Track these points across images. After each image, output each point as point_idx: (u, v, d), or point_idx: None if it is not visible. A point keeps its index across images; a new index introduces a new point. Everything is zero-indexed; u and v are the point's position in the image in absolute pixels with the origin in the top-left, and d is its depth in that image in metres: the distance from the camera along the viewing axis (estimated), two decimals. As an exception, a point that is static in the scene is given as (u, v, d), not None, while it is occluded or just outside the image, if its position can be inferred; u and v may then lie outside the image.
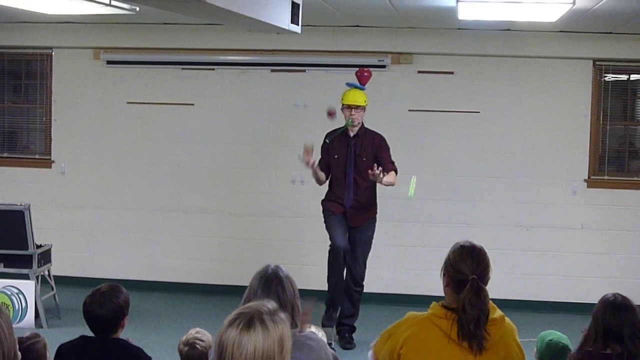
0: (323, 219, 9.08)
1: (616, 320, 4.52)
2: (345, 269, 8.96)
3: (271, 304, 3.01)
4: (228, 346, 2.89)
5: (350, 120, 8.82)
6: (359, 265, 9.00)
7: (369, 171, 8.48)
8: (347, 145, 8.90)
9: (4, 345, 3.11)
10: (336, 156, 8.93)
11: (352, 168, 8.88)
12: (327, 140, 8.95)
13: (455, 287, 4.19)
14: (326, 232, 9.00)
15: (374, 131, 8.99)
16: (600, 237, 10.55)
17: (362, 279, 9.05)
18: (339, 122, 8.99)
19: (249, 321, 2.90)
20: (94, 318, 4.77)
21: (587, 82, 10.51)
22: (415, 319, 4.27)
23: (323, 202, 9.11)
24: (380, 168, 8.43)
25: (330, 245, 8.88)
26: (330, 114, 8.92)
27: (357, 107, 8.84)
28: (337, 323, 9.05)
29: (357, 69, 9.20)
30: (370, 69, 9.35)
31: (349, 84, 9.02)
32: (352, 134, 8.91)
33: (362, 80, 9.02)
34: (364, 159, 8.84)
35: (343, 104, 8.89)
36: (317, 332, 4.54)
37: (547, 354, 5.49)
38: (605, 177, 10.62)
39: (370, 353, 4.51)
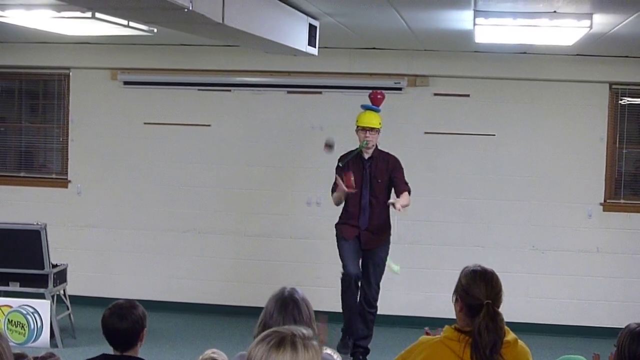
0: (336, 243, 9.09)
1: None
2: (358, 295, 8.97)
3: (308, 331, 2.98)
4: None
5: (364, 142, 8.83)
6: (372, 287, 8.99)
7: (389, 201, 8.52)
8: (362, 168, 8.91)
9: None
10: (352, 178, 8.93)
11: (368, 190, 8.89)
12: (341, 164, 8.95)
13: (469, 312, 4.18)
14: (341, 255, 9.02)
15: (387, 153, 9.00)
16: (616, 261, 10.51)
17: (376, 300, 9.05)
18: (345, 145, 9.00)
19: (281, 340, 2.88)
20: (114, 331, 4.77)
21: (604, 105, 10.50)
22: (428, 342, 4.26)
23: (337, 225, 9.11)
24: (395, 199, 8.49)
25: (342, 273, 8.89)
26: (328, 146, 8.96)
27: (371, 129, 8.85)
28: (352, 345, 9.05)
29: (371, 91, 9.22)
30: (386, 91, 9.37)
31: (363, 106, 9.03)
32: (366, 156, 8.92)
33: (376, 102, 9.02)
34: (379, 181, 8.86)
35: (358, 126, 8.91)
36: (332, 354, 4.55)
37: None
38: (621, 201, 10.59)
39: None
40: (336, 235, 9.07)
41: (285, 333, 2.91)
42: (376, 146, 8.96)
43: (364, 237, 8.92)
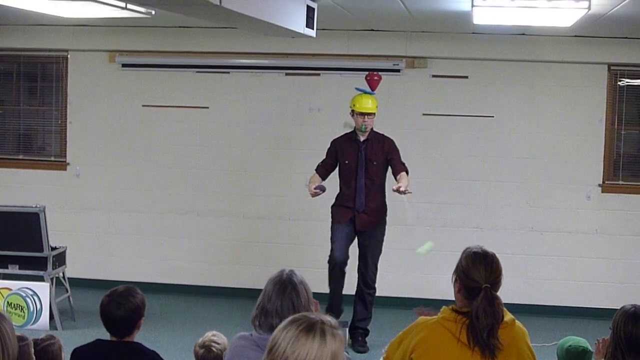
0: (330, 225, 9.12)
1: (638, 331, 4.45)
2: (344, 279, 9.02)
3: (333, 320, 2.95)
4: (282, 342, 2.84)
5: (363, 126, 8.83)
6: (370, 268, 9.02)
7: (393, 188, 8.57)
8: (357, 150, 8.91)
9: (8, 349, 3.16)
10: (347, 162, 8.94)
11: (363, 173, 8.89)
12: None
13: (468, 294, 4.19)
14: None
15: (382, 134, 9.00)
16: (615, 242, 10.53)
17: (374, 281, 9.07)
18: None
19: (310, 326, 2.86)
20: (112, 319, 4.77)
21: (602, 86, 10.49)
22: (426, 323, 4.27)
23: (333, 207, 9.14)
24: (399, 185, 8.54)
25: (329, 256, 8.94)
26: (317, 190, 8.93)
27: (369, 113, 8.86)
28: (350, 326, 9.07)
29: (367, 72, 9.20)
30: (384, 73, 9.37)
31: (359, 89, 9.01)
32: (362, 139, 8.93)
33: (372, 84, 9.00)
34: (375, 163, 8.88)
35: (355, 111, 8.89)
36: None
37: None
38: (620, 182, 10.60)
39: (381, 360, 4.53)
40: (331, 217, 9.11)
41: (315, 319, 2.88)
42: (372, 129, 8.97)
43: (360, 219, 8.94)
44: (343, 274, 8.97)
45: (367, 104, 8.86)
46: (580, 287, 10.58)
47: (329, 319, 2.94)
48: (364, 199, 8.92)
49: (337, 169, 9.07)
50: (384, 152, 8.90)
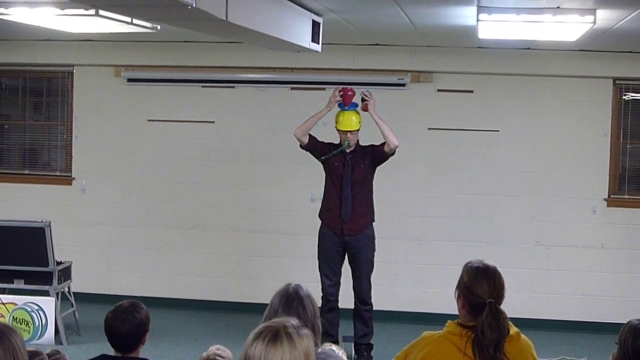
0: (317, 247, 9.13)
1: None
2: (339, 311, 9.07)
3: (295, 320, 3.02)
4: (255, 358, 2.89)
5: (346, 142, 8.81)
6: (364, 284, 9.01)
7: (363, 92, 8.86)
8: (343, 159, 8.90)
9: None
10: (336, 164, 8.92)
11: (349, 181, 8.88)
12: (322, 159, 8.99)
13: (472, 309, 4.17)
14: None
15: (367, 145, 9.01)
16: (620, 257, 10.51)
17: (369, 297, 9.06)
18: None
19: (275, 335, 2.91)
20: (116, 334, 4.78)
21: (607, 101, 10.49)
22: (431, 337, 4.26)
23: (320, 216, 9.16)
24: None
25: (322, 294, 8.95)
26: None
27: (351, 131, 8.86)
28: (354, 343, 9.09)
29: (341, 87, 9.08)
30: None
31: (341, 106, 8.96)
32: (348, 150, 8.92)
33: (346, 100, 8.93)
34: (362, 166, 8.88)
35: (339, 129, 8.90)
36: (337, 350, 4.55)
37: None
38: (626, 196, 10.58)
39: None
40: (319, 232, 9.12)
41: (277, 326, 2.94)
42: (357, 141, 8.95)
43: (347, 226, 8.93)
44: (337, 308, 9.04)
45: (348, 123, 8.86)
46: (586, 301, 10.55)
47: (291, 321, 3.02)
48: (350, 208, 8.90)
49: (323, 174, 9.07)
50: (370, 155, 8.90)
